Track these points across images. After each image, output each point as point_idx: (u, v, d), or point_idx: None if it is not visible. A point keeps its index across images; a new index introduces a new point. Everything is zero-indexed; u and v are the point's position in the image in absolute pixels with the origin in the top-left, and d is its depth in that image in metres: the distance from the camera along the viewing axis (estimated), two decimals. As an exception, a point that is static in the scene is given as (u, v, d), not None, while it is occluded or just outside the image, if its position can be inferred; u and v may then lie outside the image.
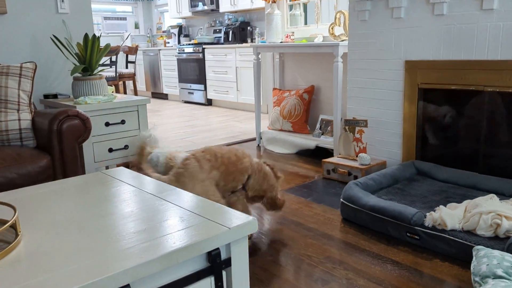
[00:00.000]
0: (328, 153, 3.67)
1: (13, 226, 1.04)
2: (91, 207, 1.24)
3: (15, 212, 1.04)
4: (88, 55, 2.62)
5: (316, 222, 2.34)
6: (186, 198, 1.29)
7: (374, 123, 3.06)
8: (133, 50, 6.37)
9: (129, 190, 1.38)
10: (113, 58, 5.59)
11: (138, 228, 1.07)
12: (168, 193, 1.33)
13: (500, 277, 1.46)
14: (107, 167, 3.28)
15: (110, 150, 2.64)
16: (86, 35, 2.58)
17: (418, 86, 2.75)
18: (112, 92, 3.22)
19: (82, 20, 3.02)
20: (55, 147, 2.17)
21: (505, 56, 2.33)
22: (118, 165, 3.26)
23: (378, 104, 3.02)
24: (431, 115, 2.77)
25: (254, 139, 4.45)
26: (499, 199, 2.06)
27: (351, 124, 3.06)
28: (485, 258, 1.57)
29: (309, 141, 3.74)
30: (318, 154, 3.67)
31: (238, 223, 1.08)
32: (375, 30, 2.96)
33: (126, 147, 2.69)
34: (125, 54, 6.50)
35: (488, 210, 1.83)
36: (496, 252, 1.58)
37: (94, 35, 2.62)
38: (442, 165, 2.67)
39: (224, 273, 1.08)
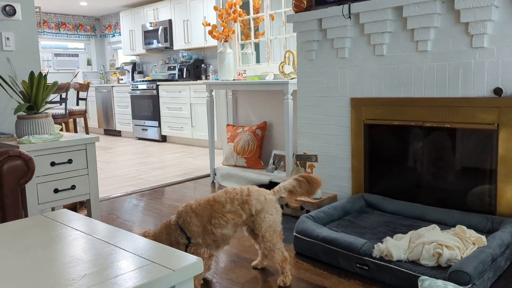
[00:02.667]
0: (282, 188, 3.72)
1: None
2: (29, 253, 1.18)
3: None
4: (34, 93, 2.55)
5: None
6: (132, 241, 1.25)
7: (324, 158, 3.15)
8: (84, 87, 6.27)
9: (72, 234, 1.33)
10: (63, 95, 5.47)
11: (77, 274, 1.03)
12: (113, 236, 1.29)
13: (444, 306, 1.51)
14: (53, 209, 3.14)
15: (56, 190, 2.53)
16: (31, 73, 2.52)
17: (364, 122, 2.87)
18: (61, 130, 3.13)
19: (28, 57, 2.96)
20: (-5, 189, 2.06)
21: (439, 94, 2.50)
22: (64, 206, 3.13)
23: (327, 139, 3.12)
24: (377, 149, 2.89)
25: (208, 176, 4.43)
26: (441, 229, 2.15)
27: (302, 159, 3.13)
28: (429, 288, 1.62)
29: (263, 176, 3.77)
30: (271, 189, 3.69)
31: (184, 265, 1.06)
32: (322, 69, 3.09)
33: (73, 187, 2.60)
34: (76, 91, 6.38)
35: (430, 240, 1.91)
36: (440, 282, 1.64)
37: (40, 73, 2.57)
38: (390, 197, 2.77)
39: (168, 317, 1.05)
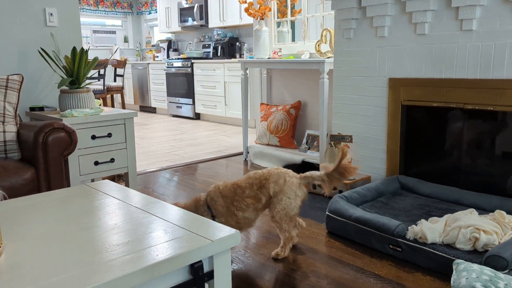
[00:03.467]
0: (314, 168, 3.70)
1: (-5, 238, 1.04)
2: (74, 220, 1.25)
3: (-3, 224, 1.05)
4: (76, 68, 2.63)
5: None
6: (171, 211, 1.30)
7: (359, 139, 3.11)
8: (121, 64, 6.39)
9: (113, 203, 1.39)
10: (101, 71, 5.60)
11: (121, 241, 1.08)
12: (152, 206, 1.34)
13: (479, 290, 1.49)
14: (92, 180, 3.27)
15: (96, 163, 2.63)
16: (74, 48, 2.60)
17: (402, 103, 2.81)
18: (100, 105, 3.23)
19: (70, 33, 3.04)
20: (40, 159, 2.16)
21: (483, 75, 2.41)
22: (103, 178, 3.25)
23: (363, 120, 3.07)
24: (414, 131, 2.83)
25: (241, 154, 4.47)
26: (478, 214, 2.10)
27: (337, 140, 3.10)
28: (465, 272, 1.60)
29: (295, 156, 3.78)
30: (304, 169, 3.69)
31: (221, 236, 1.09)
32: (360, 48, 3.03)
33: (112, 160, 2.69)
34: (113, 68, 6.51)
35: (467, 224, 1.87)
36: (475, 266, 1.61)
37: (82, 48, 2.64)
38: (425, 181, 2.72)
39: (206, 285, 1.09)
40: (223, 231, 1.13)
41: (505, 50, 2.32)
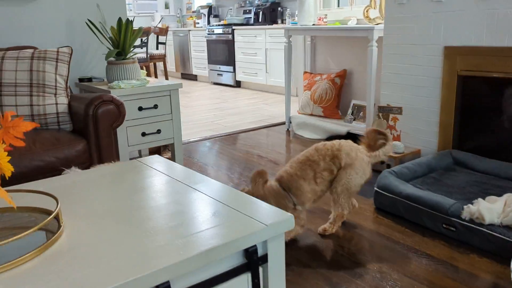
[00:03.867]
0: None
1: (56, 217, 1.06)
2: (127, 197, 1.26)
3: (57, 203, 1.07)
4: (122, 40, 2.63)
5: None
6: (222, 191, 1.28)
7: (409, 111, 2.98)
8: (163, 31, 6.38)
9: (164, 180, 1.39)
10: (144, 40, 5.62)
11: (174, 222, 1.08)
12: (202, 184, 1.33)
13: (543, 278, 1.40)
14: (139, 151, 3.33)
15: (143, 134, 2.67)
16: (119, 20, 2.59)
17: (458, 74, 2.64)
18: (145, 76, 3.24)
19: (115, 3, 3.03)
20: (91, 132, 2.20)
21: (555, 42, 2.20)
22: (150, 149, 3.31)
23: (414, 91, 2.92)
24: (470, 104, 2.67)
25: (283, 124, 4.42)
26: (543, 195, 1.97)
27: (385, 111, 2.98)
28: (527, 258, 1.51)
29: (340, 127, 3.68)
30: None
31: (275, 220, 1.07)
32: (413, 13, 2.84)
33: (158, 131, 2.72)
34: (155, 35, 6.52)
35: (531, 207, 1.76)
36: (539, 252, 1.52)
37: (127, 19, 2.62)
38: (481, 156, 2.58)
39: (260, 269, 1.08)
40: (277, 214, 1.10)
41: None
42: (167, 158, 2.99)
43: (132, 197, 1.26)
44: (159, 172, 1.47)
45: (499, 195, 2.09)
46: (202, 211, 1.14)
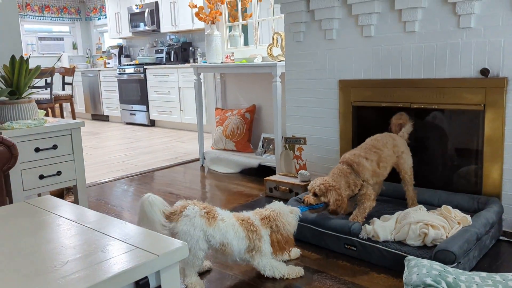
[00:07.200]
0: (271, 170, 3.71)
1: None
2: (11, 241, 1.16)
3: None
4: (16, 78, 2.49)
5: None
6: (116, 226, 1.24)
7: (312, 141, 3.14)
8: (70, 71, 6.16)
9: (54, 221, 1.31)
10: (48, 80, 5.37)
11: (60, 261, 1.02)
12: (96, 223, 1.28)
13: (429, 285, 1.53)
14: (39, 195, 3.11)
15: (41, 177, 2.50)
16: (13, 57, 2.46)
17: (352, 104, 2.86)
18: (46, 115, 3.08)
19: (9, 41, 2.88)
20: (-23, 176, 2.02)
21: (427, 75, 2.50)
22: (51, 193, 3.10)
23: (316, 122, 3.11)
24: (364, 131, 2.89)
25: (197, 160, 4.41)
26: (427, 210, 2.16)
27: (291, 142, 3.12)
28: (416, 268, 1.64)
29: (252, 160, 3.77)
30: (261, 173, 3.69)
31: (167, 250, 1.05)
32: (310, 51, 3.06)
33: (59, 173, 2.57)
34: (61, 76, 6.27)
35: (416, 220, 1.92)
36: (425, 261, 1.66)
37: (21, 56, 2.50)
38: (377, 179, 2.77)
39: (154, 302, 1.04)
40: (171, 244, 1.09)
41: (446, 50, 2.41)
42: (70, 202, 2.82)
43: (19, 239, 1.17)
44: (49, 212, 1.39)
45: (392, 214, 2.26)
46: (93, 247, 1.09)
